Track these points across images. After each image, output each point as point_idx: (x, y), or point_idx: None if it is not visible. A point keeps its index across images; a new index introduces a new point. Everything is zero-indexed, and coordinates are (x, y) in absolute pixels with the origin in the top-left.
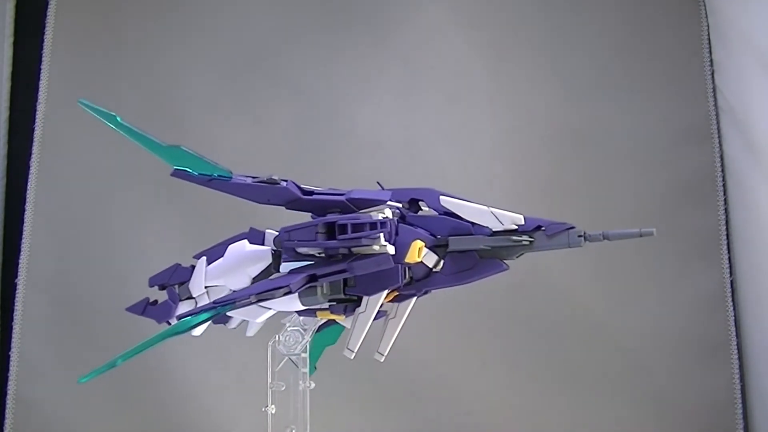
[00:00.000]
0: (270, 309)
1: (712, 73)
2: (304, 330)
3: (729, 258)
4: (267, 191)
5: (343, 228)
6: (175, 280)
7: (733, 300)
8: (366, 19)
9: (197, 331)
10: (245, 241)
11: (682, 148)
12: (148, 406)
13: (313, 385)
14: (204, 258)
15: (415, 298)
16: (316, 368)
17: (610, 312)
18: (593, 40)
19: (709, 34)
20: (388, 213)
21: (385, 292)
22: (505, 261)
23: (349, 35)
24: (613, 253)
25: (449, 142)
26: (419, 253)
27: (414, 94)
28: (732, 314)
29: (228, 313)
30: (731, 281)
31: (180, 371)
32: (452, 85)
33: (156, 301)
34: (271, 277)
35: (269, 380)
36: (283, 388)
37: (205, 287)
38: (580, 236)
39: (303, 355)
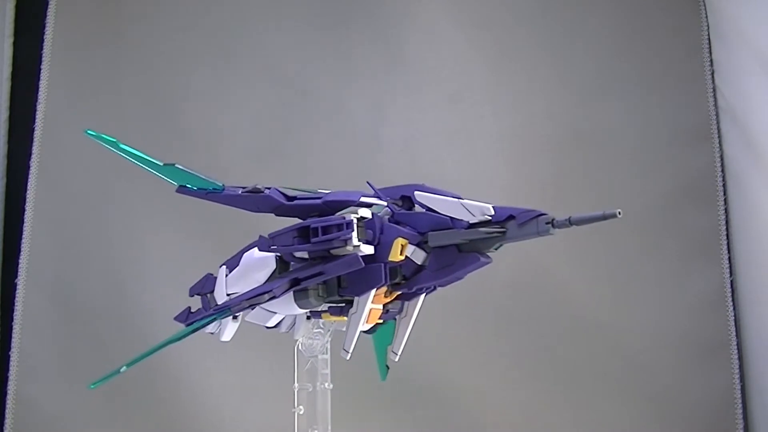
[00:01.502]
0: (276, 313)
1: (712, 73)
2: (325, 332)
3: (729, 258)
4: (255, 200)
5: (316, 231)
6: (207, 289)
7: (733, 300)
8: (367, 19)
9: (226, 336)
10: (257, 248)
11: (682, 148)
12: (147, 406)
13: (331, 386)
14: (224, 267)
15: (423, 295)
16: (388, 367)
17: (611, 312)
18: (594, 41)
19: (709, 34)
20: (365, 213)
21: (373, 291)
22: (485, 254)
23: (350, 35)
24: (613, 254)
25: (450, 142)
26: (402, 250)
27: (415, 93)
28: (732, 314)
29: (247, 319)
30: (731, 281)
31: (180, 371)
32: (453, 84)
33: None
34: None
35: (295, 382)
36: (310, 389)
37: (227, 294)
38: (547, 223)
39: (321, 356)
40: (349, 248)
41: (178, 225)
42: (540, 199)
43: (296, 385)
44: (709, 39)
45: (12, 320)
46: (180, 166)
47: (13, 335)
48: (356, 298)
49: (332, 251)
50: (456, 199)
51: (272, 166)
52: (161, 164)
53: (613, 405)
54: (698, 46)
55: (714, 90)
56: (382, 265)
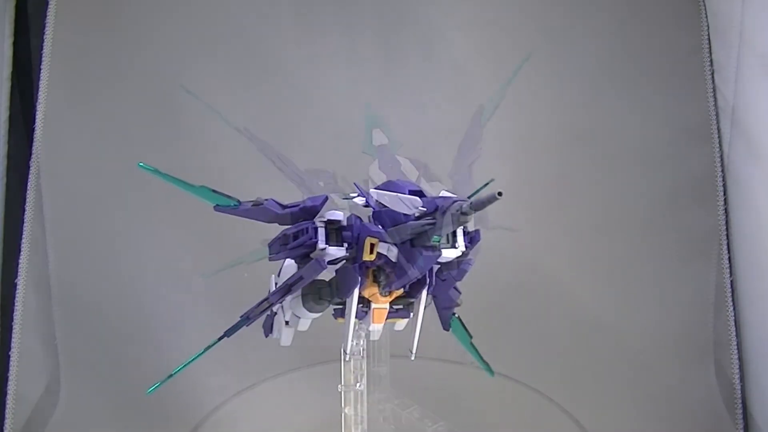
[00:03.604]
0: (300, 318)
1: (712, 73)
2: (361, 334)
3: (729, 258)
4: (259, 212)
5: (290, 237)
6: None
7: (733, 300)
8: (366, 19)
9: (285, 341)
10: None
11: (682, 148)
12: (148, 406)
13: (363, 387)
14: (273, 275)
15: (425, 292)
16: (488, 364)
17: (611, 312)
18: (594, 41)
19: (709, 34)
20: (336, 215)
21: (355, 292)
22: (431, 247)
23: (350, 35)
24: (613, 254)
25: (451, 142)
26: (372, 249)
27: (416, 95)
28: (732, 314)
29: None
30: (731, 281)
31: (181, 372)
32: (454, 86)
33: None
34: None
35: (342, 383)
36: (352, 390)
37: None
38: (457, 210)
39: (358, 357)
40: (318, 252)
41: (178, 224)
42: (541, 199)
43: (342, 386)
44: (709, 39)
45: (12, 320)
46: (206, 187)
47: (13, 335)
48: (347, 300)
49: (311, 255)
50: (394, 194)
51: (272, 166)
52: (195, 186)
53: (613, 405)
54: (698, 46)
55: (714, 90)
56: (356, 266)
